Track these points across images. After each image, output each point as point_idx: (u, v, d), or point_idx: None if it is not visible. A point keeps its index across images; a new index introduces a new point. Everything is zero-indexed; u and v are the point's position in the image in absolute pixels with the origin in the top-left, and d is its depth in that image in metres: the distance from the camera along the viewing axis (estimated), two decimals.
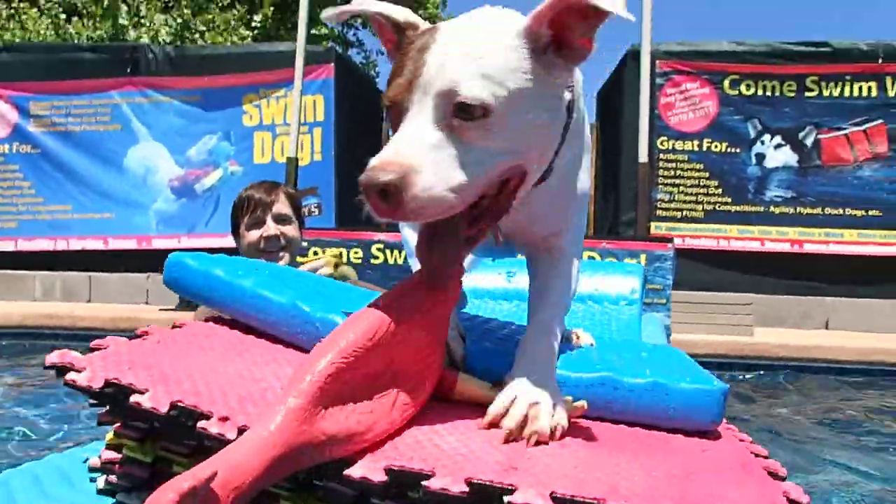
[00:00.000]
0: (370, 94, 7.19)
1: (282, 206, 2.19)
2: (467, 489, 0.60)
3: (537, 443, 0.73)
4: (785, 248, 5.84)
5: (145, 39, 9.33)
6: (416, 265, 1.09)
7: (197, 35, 9.85)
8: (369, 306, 0.73)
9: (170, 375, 0.78)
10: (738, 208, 5.92)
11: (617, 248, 4.30)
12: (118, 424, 0.79)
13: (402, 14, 0.87)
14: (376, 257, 3.93)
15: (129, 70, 6.44)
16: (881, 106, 5.76)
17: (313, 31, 15.06)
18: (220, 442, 0.66)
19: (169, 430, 0.74)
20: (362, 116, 6.83)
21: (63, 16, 9.66)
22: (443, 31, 0.79)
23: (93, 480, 0.94)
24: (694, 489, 0.69)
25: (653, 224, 5.84)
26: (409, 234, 1.14)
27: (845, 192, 5.83)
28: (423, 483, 0.61)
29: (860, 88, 5.77)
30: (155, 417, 0.71)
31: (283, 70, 6.25)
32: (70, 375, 0.75)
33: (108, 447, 0.87)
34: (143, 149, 6.51)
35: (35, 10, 10.01)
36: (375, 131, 7.25)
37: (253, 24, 11.70)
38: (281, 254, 2.18)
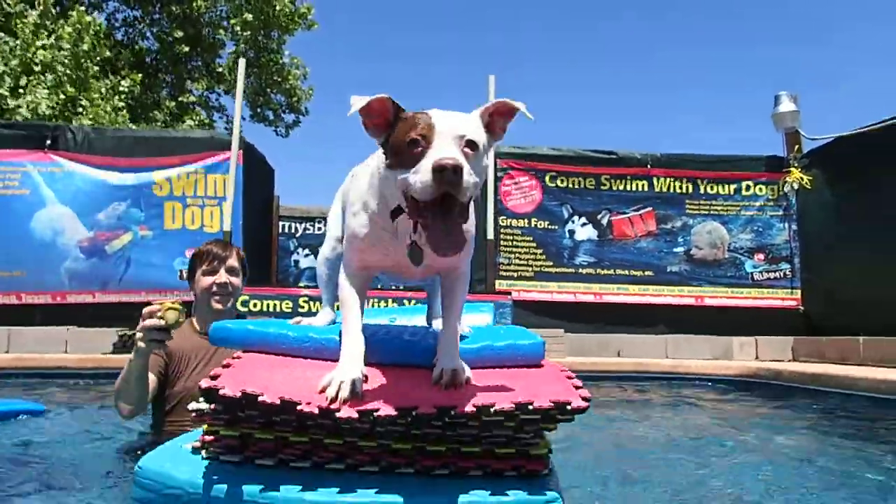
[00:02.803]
0: (265, 173, 8.34)
1: (233, 261, 2.56)
2: (436, 411, 1.15)
3: (458, 386, 1.31)
4: (590, 298, 7.71)
5: (23, 111, 9.69)
6: (324, 307, 1.79)
7: (80, 109, 10.35)
8: None
9: (268, 382, 1.25)
10: (557, 270, 7.74)
11: (473, 299, 5.90)
12: (210, 420, 1.29)
13: (393, 101, 1.26)
14: (302, 307, 5.20)
15: (47, 144, 7.09)
16: (650, 197, 7.95)
17: (181, 99, 15.78)
18: (311, 417, 1.17)
19: (264, 415, 1.23)
20: (259, 193, 7.98)
21: None
22: (435, 111, 1.21)
23: (196, 452, 1.36)
24: (533, 387, 1.31)
25: (497, 282, 7.49)
26: (323, 272, 1.79)
27: (630, 258, 7.87)
28: (376, 414, 1.17)
29: (636, 185, 7.94)
30: (266, 407, 1.19)
31: (192, 153, 7.31)
32: (221, 392, 1.23)
33: (206, 433, 1.33)
34: (50, 211, 7.03)
35: None
36: (266, 205, 8.42)
37: (121, 89, 12.28)
38: (229, 300, 2.54)
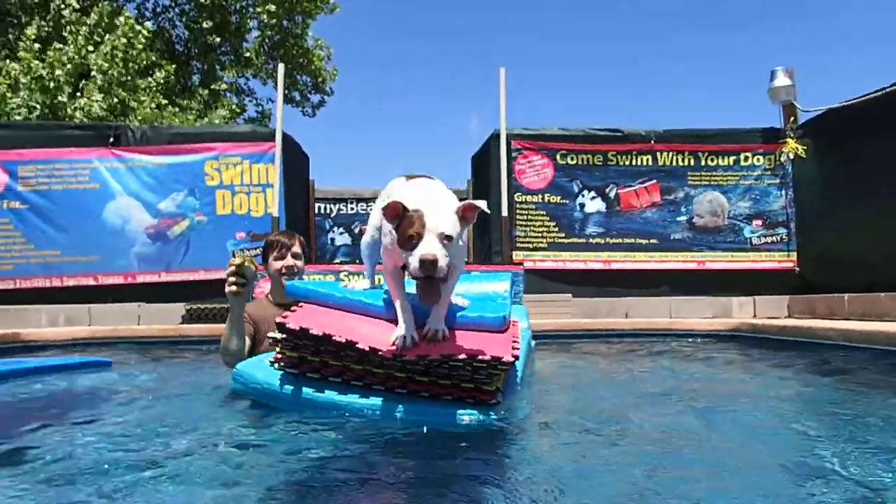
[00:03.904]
0: (301, 160, 9.17)
1: (297, 247, 3.20)
2: (416, 357, 1.99)
3: (437, 340, 2.08)
4: (599, 266, 8.42)
5: (79, 115, 10.60)
6: (365, 277, 2.62)
7: (129, 110, 11.26)
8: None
9: (319, 322, 2.11)
10: (568, 240, 8.44)
11: (490, 269, 6.70)
12: (281, 345, 2.18)
13: (405, 204, 1.96)
14: (343, 280, 6.05)
15: (110, 141, 8.00)
16: (654, 171, 8.59)
17: (213, 87, 16.60)
18: (343, 346, 2.03)
19: (314, 343, 2.10)
20: (296, 178, 8.82)
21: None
22: (427, 208, 1.90)
23: (271, 365, 2.25)
24: (485, 346, 2.02)
25: (514, 253, 8.21)
26: (364, 253, 2.56)
27: (636, 228, 8.53)
28: (380, 352, 2.03)
29: (641, 159, 8.58)
30: (314, 337, 2.06)
31: (237, 144, 8.16)
32: (288, 325, 2.10)
33: (277, 353, 2.21)
34: (119, 203, 7.98)
35: None
36: (303, 189, 9.26)
37: (157, 77, 13.11)
38: (293, 278, 3.13)
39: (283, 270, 3.12)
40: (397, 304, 2.19)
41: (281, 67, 7.58)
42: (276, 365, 2.25)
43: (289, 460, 1.72)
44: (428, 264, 1.83)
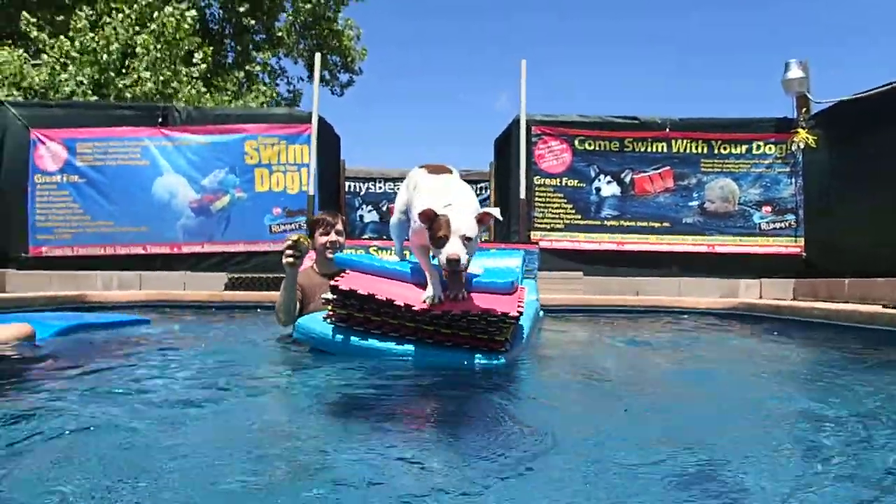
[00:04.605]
0: (333, 140, 9.72)
1: (339, 225, 3.60)
2: (441, 312, 2.59)
3: (458, 301, 2.63)
4: (613, 247, 8.84)
5: (135, 89, 11.25)
6: (394, 253, 3.31)
7: (174, 86, 11.88)
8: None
9: (364, 285, 2.74)
10: (584, 222, 8.87)
11: (508, 247, 7.22)
12: (332, 304, 2.80)
13: (435, 210, 2.46)
14: (371, 256, 6.63)
15: (159, 121, 8.63)
16: (668, 158, 8.95)
17: (247, 68, 17.13)
18: (384, 304, 2.65)
19: (359, 302, 2.73)
20: (329, 158, 9.38)
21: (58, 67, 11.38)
22: (452, 213, 2.42)
23: (325, 320, 2.90)
24: (495, 304, 2.61)
25: (531, 232, 8.70)
26: (393, 233, 3.16)
27: (649, 212, 8.93)
28: (413, 308, 2.61)
29: (656, 146, 8.95)
30: (360, 297, 2.69)
31: (275, 126, 8.74)
32: (340, 287, 2.72)
33: (329, 311, 2.85)
34: (166, 179, 8.64)
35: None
36: (334, 168, 9.83)
37: (194, 60, 13.67)
38: (336, 252, 3.49)
39: (328, 245, 3.57)
40: (427, 272, 2.74)
41: (318, 57, 8.09)
42: (328, 320, 2.85)
43: (327, 395, 2.28)
44: (454, 262, 2.36)
